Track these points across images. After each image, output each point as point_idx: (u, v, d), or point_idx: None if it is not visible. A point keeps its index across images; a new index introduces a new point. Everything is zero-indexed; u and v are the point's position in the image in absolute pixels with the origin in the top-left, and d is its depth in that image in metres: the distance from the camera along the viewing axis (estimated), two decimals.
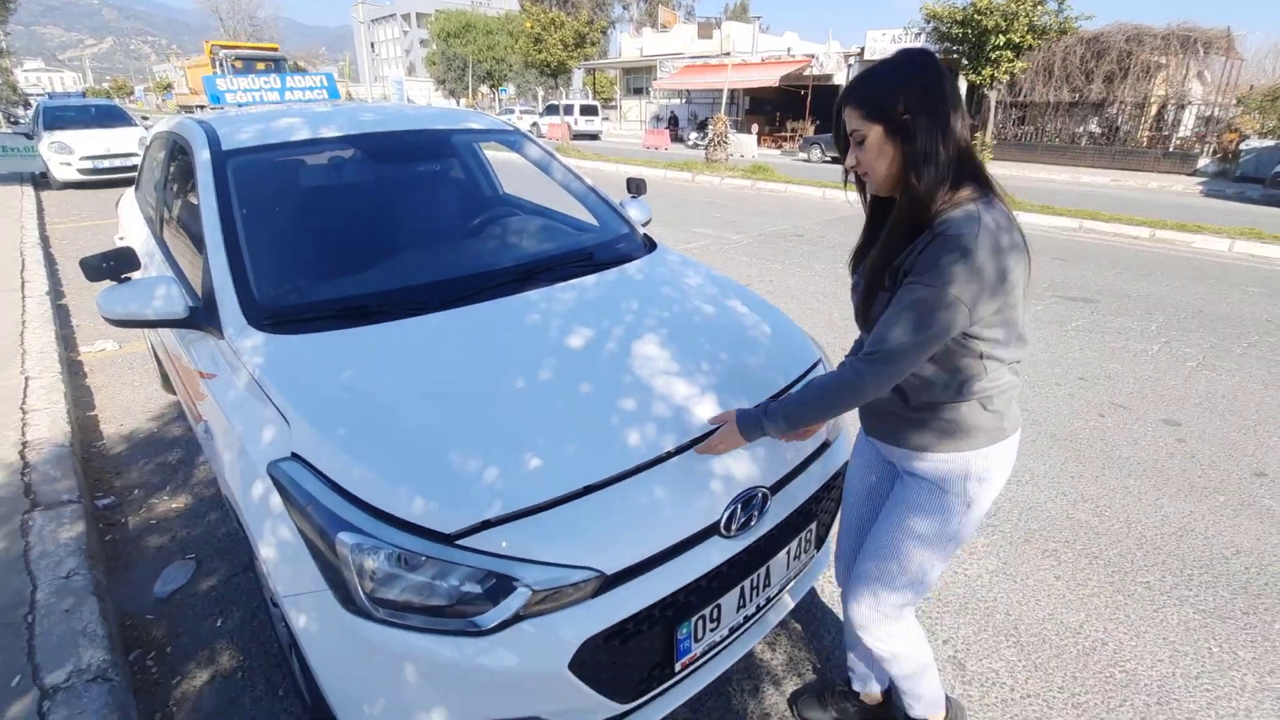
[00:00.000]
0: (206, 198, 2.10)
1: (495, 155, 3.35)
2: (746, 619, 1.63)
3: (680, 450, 1.55)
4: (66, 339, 4.62)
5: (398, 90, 38.77)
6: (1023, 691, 1.97)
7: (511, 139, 2.88)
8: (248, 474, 1.53)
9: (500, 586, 1.30)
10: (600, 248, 2.43)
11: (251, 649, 2.07)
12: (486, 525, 1.33)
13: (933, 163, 1.16)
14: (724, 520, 1.51)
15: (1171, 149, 18.73)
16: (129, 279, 1.96)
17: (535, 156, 2.86)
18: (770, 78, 26.42)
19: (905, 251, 1.22)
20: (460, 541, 1.31)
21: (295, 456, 1.46)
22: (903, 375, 1.26)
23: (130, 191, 3.86)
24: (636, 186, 3.05)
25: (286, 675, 1.98)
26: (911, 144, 1.17)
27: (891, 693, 1.78)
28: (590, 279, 2.17)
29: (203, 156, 2.24)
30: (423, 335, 1.80)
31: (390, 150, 2.45)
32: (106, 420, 3.52)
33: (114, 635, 2.02)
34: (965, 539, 1.44)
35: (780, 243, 7.49)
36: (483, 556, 1.30)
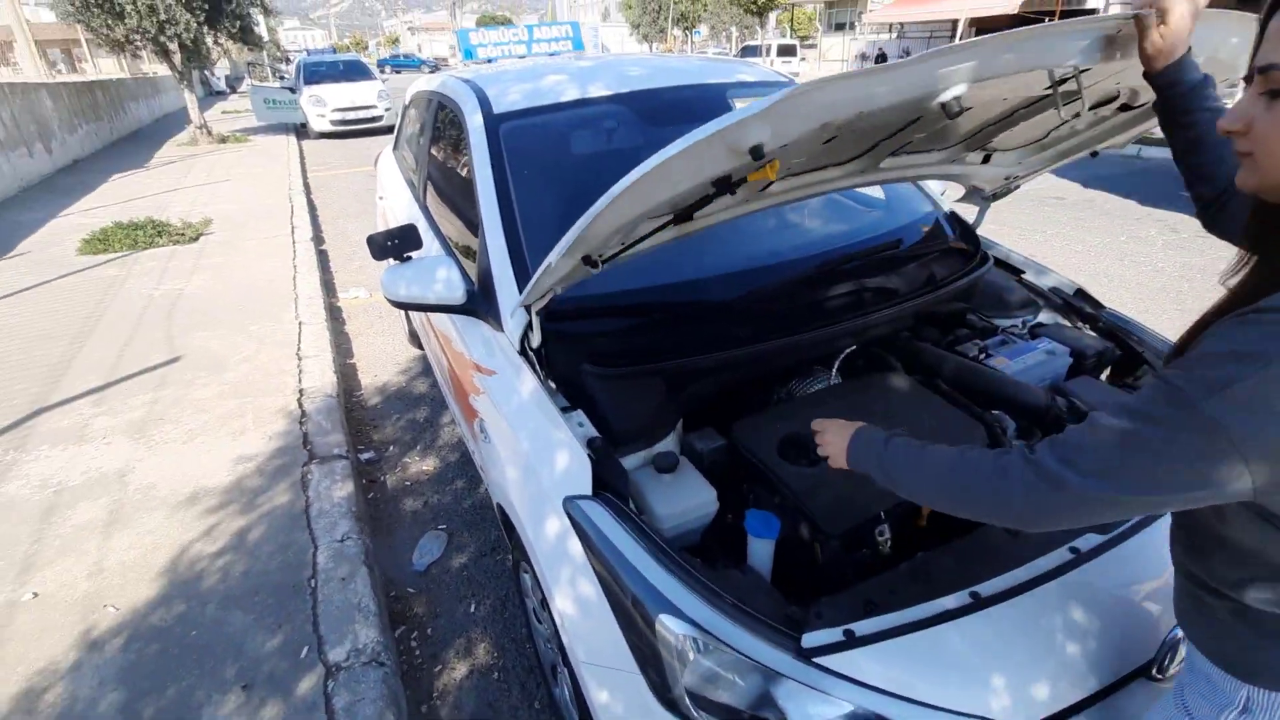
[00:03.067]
0: (481, 168, 1.95)
1: None
2: None
3: (1093, 553, 1.13)
4: (328, 284, 5.04)
5: (593, 37, 39.14)
6: None
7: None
8: (539, 503, 1.35)
9: None
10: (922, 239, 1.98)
11: (505, 646, 2.00)
12: (850, 639, 1.02)
13: None
14: (1158, 659, 1.08)
15: None
16: (410, 258, 1.88)
17: None
18: (1009, 3, 22.93)
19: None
20: (815, 659, 1.01)
21: (601, 494, 1.24)
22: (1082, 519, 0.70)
23: (388, 150, 3.99)
24: None
25: (541, 685, 1.88)
26: None
27: None
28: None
29: (474, 121, 2.10)
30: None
31: (664, 109, 2.16)
32: (363, 370, 3.75)
33: (383, 611, 2.04)
34: None
35: (1035, 208, 6.36)
36: (847, 685, 0.99)
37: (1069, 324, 1.88)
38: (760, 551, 1.23)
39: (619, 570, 1.14)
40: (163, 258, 5.43)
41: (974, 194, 1.96)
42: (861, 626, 1.03)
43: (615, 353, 1.53)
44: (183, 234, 5.91)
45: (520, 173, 1.94)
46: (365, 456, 2.92)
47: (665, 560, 1.13)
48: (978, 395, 1.54)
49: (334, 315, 4.46)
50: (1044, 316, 1.90)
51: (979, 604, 1.06)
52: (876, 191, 2.29)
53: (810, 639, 1.02)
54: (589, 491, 1.25)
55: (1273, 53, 0.57)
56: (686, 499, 1.30)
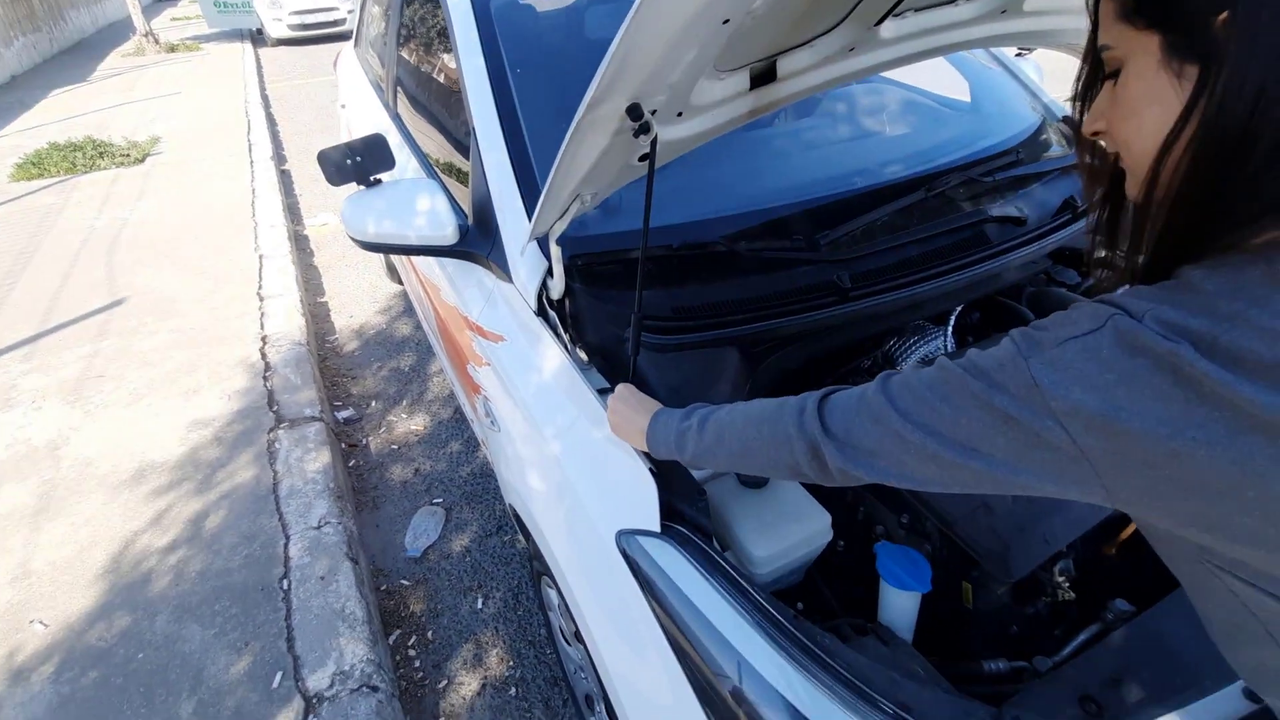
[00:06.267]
0: (470, 61, 1.46)
1: None
2: None
3: None
4: (292, 210, 4.48)
5: None
6: None
7: None
8: (579, 535, 0.98)
9: None
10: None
11: (522, 652, 1.68)
12: None
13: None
14: None
15: None
16: (380, 181, 1.41)
17: None
18: None
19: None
20: None
21: (671, 528, 0.86)
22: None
23: (349, 48, 3.39)
24: None
25: (568, 703, 1.57)
26: (1219, 82, 0.41)
27: None
28: None
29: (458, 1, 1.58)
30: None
31: None
32: (337, 310, 3.29)
33: (373, 615, 1.69)
34: None
35: None
36: None
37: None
38: (902, 607, 0.87)
39: (711, 650, 0.78)
40: (105, 182, 4.80)
41: None
42: None
43: (668, 311, 1.11)
44: (127, 155, 5.25)
45: (523, 65, 1.46)
46: (343, 415, 2.52)
47: (780, 638, 0.76)
48: None
49: (300, 245, 3.94)
50: None
51: (1268, 714, 0.70)
52: (957, 88, 1.82)
53: None
54: (656, 526, 0.87)
55: (1104, 34, 0.50)
56: (790, 529, 0.92)
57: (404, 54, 2.17)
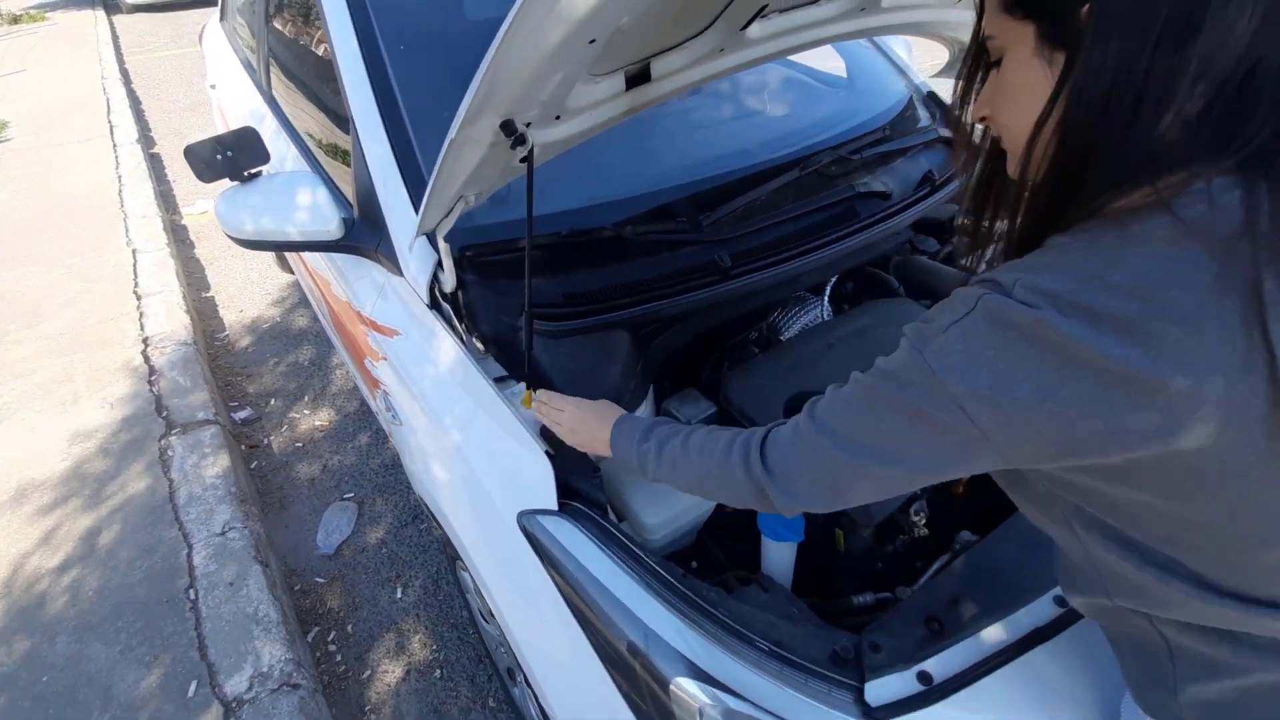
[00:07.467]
0: (343, 44, 1.42)
1: None
2: None
3: None
4: (166, 197, 4.17)
5: None
6: None
7: None
8: (484, 521, 1.02)
9: None
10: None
11: (444, 635, 1.71)
12: (929, 685, 0.78)
13: (1132, 106, 0.44)
14: None
15: None
16: (256, 175, 1.37)
17: None
18: None
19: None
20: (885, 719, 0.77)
21: (569, 505, 0.92)
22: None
23: (215, 22, 3.16)
24: None
25: (493, 678, 1.62)
26: (1079, 68, 0.47)
27: None
28: None
29: None
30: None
31: None
32: (225, 304, 3.12)
33: (289, 615, 1.68)
34: None
35: None
36: None
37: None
38: (780, 557, 0.97)
39: (609, 613, 0.84)
40: None
41: (958, 58, 1.63)
42: (938, 666, 0.80)
43: (559, 298, 1.15)
44: None
45: (402, 47, 1.43)
46: (241, 416, 2.43)
47: (670, 595, 0.84)
48: None
49: (179, 236, 3.69)
50: None
51: (1072, 616, 0.84)
52: (835, 66, 1.92)
53: (876, 691, 0.78)
54: (553, 504, 0.92)
55: (988, 25, 0.54)
56: (678, 497, 1.00)
57: (275, 31, 2.07)
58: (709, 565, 1.05)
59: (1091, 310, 0.43)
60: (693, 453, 0.75)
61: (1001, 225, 0.61)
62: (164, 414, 2.25)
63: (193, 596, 1.67)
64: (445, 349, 1.14)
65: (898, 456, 0.55)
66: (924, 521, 1.04)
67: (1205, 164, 0.44)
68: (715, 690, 0.78)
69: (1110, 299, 0.43)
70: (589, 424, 0.89)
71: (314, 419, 2.42)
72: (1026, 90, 0.51)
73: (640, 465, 0.82)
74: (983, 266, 0.68)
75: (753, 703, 0.77)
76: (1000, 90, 0.54)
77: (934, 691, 0.78)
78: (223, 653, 1.54)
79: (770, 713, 0.77)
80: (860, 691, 0.78)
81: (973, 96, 0.59)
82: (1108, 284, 0.43)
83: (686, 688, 0.78)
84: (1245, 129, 0.42)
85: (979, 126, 0.61)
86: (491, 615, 1.21)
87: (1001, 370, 0.46)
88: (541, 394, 0.97)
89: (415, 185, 1.26)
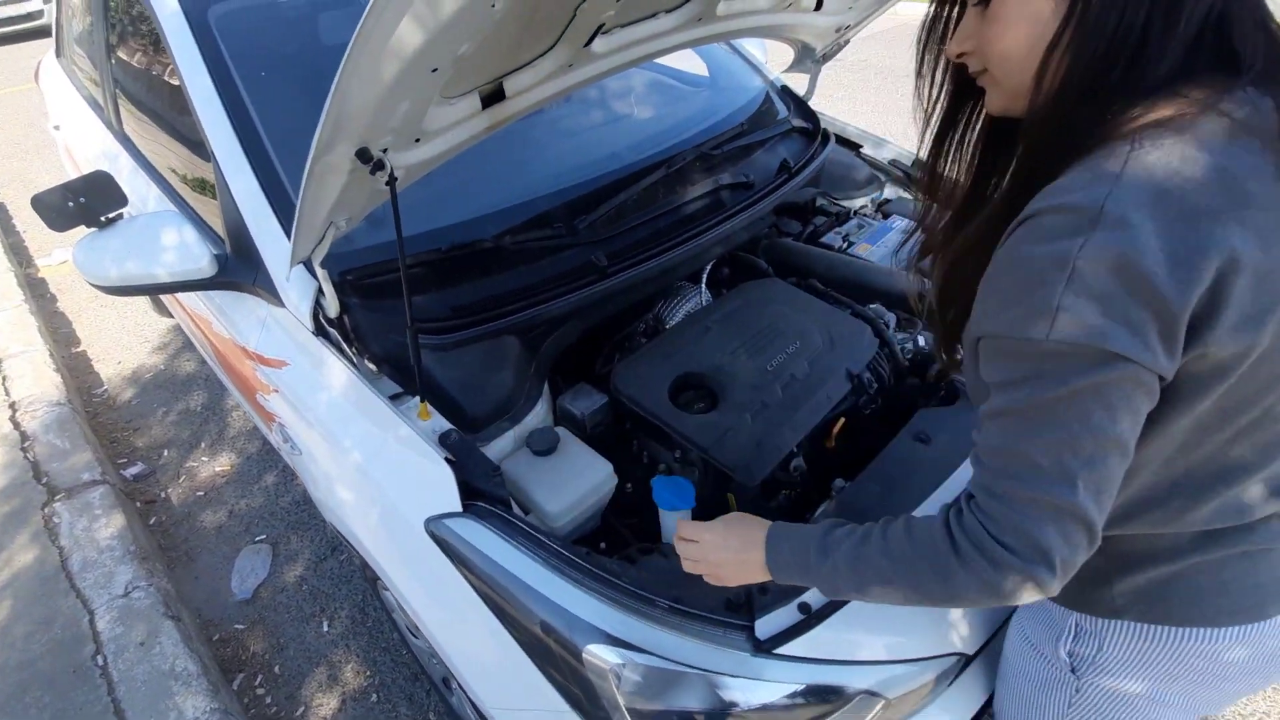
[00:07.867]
0: (194, 78, 1.39)
1: None
2: None
3: None
4: (17, 250, 3.84)
5: None
6: None
7: None
8: (394, 533, 1.05)
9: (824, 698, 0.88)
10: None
11: (377, 659, 1.71)
12: (808, 615, 0.89)
13: (1144, 25, 0.50)
14: None
15: None
16: (115, 219, 1.32)
17: None
18: None
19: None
20: (776, 650, 0.87)
21: (473, 506, 0.97)
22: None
23: (50, 58, 2.95)
24: None
25: (431, 692, 1.64)
26: None
27: None
28: None
29: (167, 7, 1.48)
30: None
31: None
32: (99, 358, 2.93)
33: (210, 666, 1.63)
34: None
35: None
36: (805, 665, 0.87)
37: (913, 196, 1.83)
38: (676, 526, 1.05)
39: (521, 599, 0.90)
40: None
41: (804, 57, 1.77)
42: (815, 596, 0.90)
43: (446, 312, 1.19)
44: None
45: (257, 76, 1.42)
46: (132, 472, 2.31)
47: (575, 574, 0.90)
48: (853, 289, 1.43)
49: (37, 291, 3.42)
50: (889, 191, 1.83)
51: None
52: (698, 67, 2.03)
53: (765, 626, 0.88)
54: (458, 507, 0.96)
55: None
56: (577, 483, 1.06)
57: (121, 64, 1.97)
58: (616, 543, 1.12)
59: (1111, 216, 0.49)
60: (882, 560, 0.65)
61: (956, 170, 0.68)
62: (44, 480, 2.11)
63: (101, 662, 1.59)
64: (335, 373, 1.16)
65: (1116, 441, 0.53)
66: (802, 474, 1.15)
67: (1221, 79, 0.51)
68: (623, 650, 0.85)
69: (1200, 196, 0.48)
70: (731, 548, 0.79)
71: (214, 465, 2.33)
72: (1030, 18, 0.54)
73: (815, 580, 0.73)
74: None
75: (659, 655, 0.85)
76: (995, 22, 0.57)
77: (813, 618, 0.88)
78: (141, 713, 1.49)
79: (675, 660, 0.85)
80: (751, 630, 0.88)
81: (949, 33, 0.63)
82: (1188, 179, 0.48)
83: (597, 652, 0.85)
84: (1241, 49, 0.51)
85: (935, 71, 0.66)
86: (418, 629, 1.23)
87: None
88: (681, 528, 0.86)
89: (286, 214, 1.26)
